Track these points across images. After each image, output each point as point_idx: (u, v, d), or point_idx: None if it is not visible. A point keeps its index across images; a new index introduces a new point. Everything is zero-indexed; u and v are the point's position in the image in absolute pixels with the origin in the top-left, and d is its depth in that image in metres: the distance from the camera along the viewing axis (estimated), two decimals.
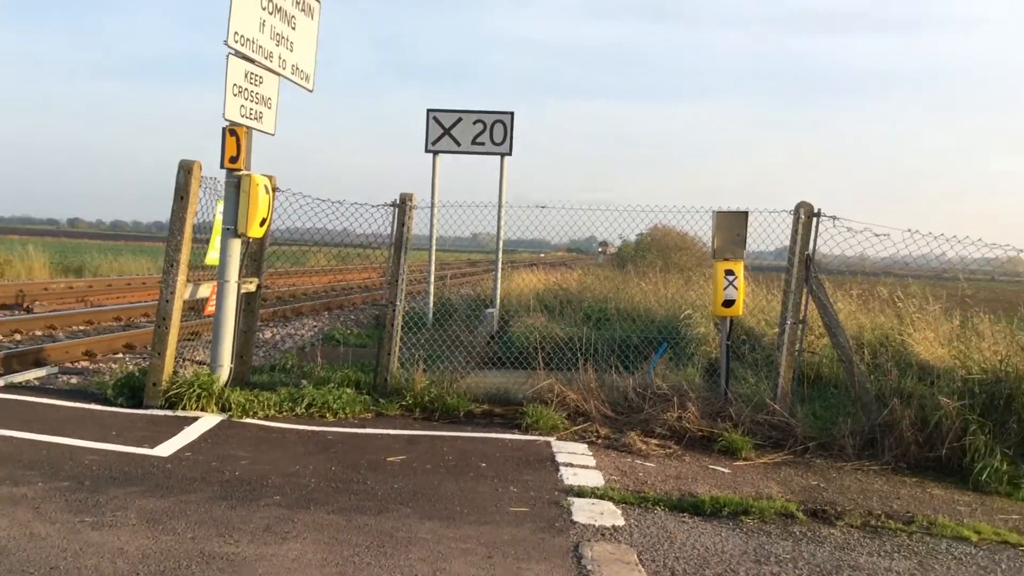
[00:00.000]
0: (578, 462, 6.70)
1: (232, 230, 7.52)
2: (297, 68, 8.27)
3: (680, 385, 8.22)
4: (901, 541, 5.38)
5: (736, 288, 7.99)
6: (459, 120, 15.65)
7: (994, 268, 8.54)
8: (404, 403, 8.21)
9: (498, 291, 15.50)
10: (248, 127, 7.49)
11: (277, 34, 7.79)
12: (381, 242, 8.84)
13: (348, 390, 8.20)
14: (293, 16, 8.10)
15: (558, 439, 7.45)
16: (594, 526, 5.19)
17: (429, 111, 15.67)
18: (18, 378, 8.74)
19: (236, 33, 7.15)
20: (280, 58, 7.90)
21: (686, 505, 5.77)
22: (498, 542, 4.79)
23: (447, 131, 15.64)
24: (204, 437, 6.62)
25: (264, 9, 7.58)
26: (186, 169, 7.25)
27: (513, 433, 7.59)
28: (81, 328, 14.08)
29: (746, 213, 8.06)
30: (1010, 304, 9.79)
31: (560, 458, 6.77)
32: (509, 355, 10.08)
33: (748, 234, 8.04)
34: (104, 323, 14.90)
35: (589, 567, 4.50)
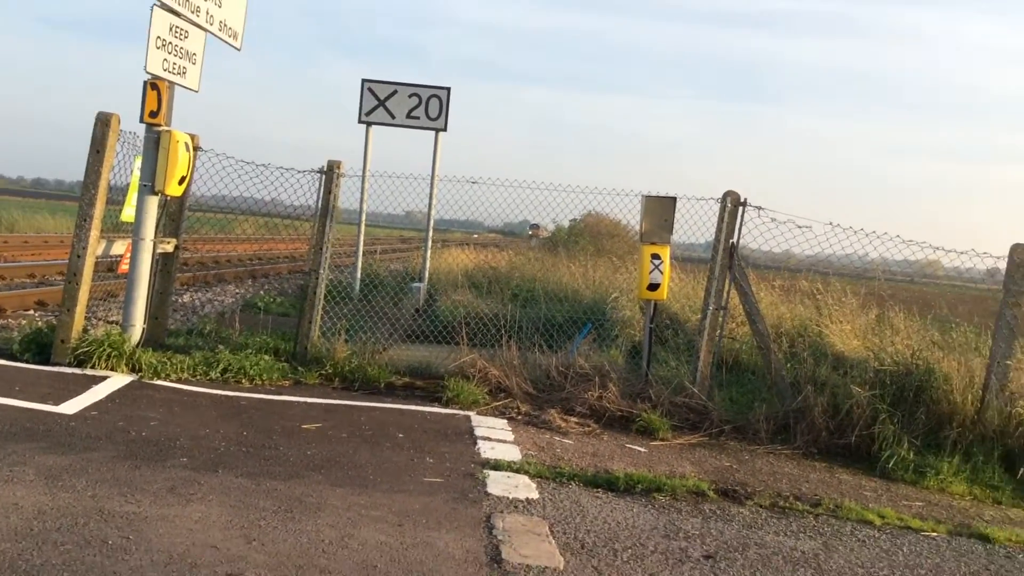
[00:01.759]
0: (496, 436, 6.69)
1: (149, 187, 7.26)
2: (225, 24, 8.02)
3: (602, 365, 8.26)
4: (808, 522, 5.50)
5: (661, 272, 8.05)
6: (394, 92, 15.42)
7: (915, 270, 8.77)
8: (323, 372, 8.09)
9: (427, 266, 15.38)
10: (170, 81, 7.24)
11: None
12: (311, 214, 8.67)
13: (266, 357, 8.04)
14: None
15: (478, 414, 7.42)
16: (508, 498, 5.18)
17: (364, 81, 15.43)
18: None
19: None
20: (208, 13, 7.65)
21: (601, 481, 5.80)
22: (409, 511, 4.74)
23: (382, 103, 15.41)
24: (112, 397, 6.41)
25: None
26: (103, 121, 6.98)
27: (433, 406, 7.53)
28: None
29: (674, 199, 8.11)
30: (925, 303, 10.08)
31: (479, 432, 6.75)
32: (434, 330, 10.01)
33: (678, 222, 8.11)
34: (17, 279, 14.36)
35: (500, 537, 4.49)
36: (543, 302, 11.94)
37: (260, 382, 7.64)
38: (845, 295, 10.09)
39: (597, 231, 32.55)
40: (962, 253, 7.86)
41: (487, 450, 6.23)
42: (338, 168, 8.45)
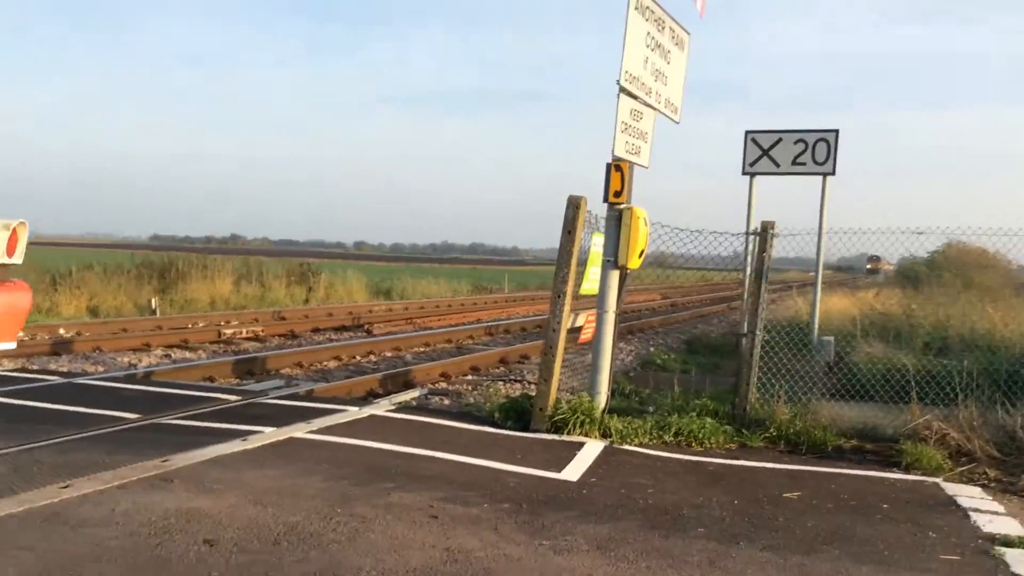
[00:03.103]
0: (985, 507, 6.33)
1: (612, 261, 7.87)
2: (669, 101, 8.52)
3: None
4: None
5: None
6: (779, 140, 15.38)
7: None
8: (767, 435, 8.17)
9: (816, 317, 15.03)
10: (630, 162, 7.82)
11: (656, 70, 8.08)
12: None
13: (709, 420, 8.27)
14: (668, 51, 8.35)
15: (945, 480, 7.09)
16: None
17: (747, 132, 15.53)
18: (399, 398, 9.62)
19: (627, 72, 7.51)
20: (656, 93, 8.18)
21: None
22: None
23: (765, 152, 15.41)
24: (598, 463, 6.94)
25: (648, 47, 7.88)
26: (574, 205, 7.67)
27: (893, 472, 7.31)
28: (421, 351, 15.26)
29: None
30: None
31: (962, 502, 6.44)
32: (852, 386, 9.71)
33: None
34: (438, 345, 16.06)
35: None
36: (961, 352, 11.15)
37: (709, 445, 7.87)
38: None
39: (962, 262, 29.84)
40: None
41: (985, 523, 5.91)
42: (772, 229, 8.58)
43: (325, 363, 12.99)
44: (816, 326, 14.80)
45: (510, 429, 7.92)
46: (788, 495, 6.38)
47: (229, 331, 15.77)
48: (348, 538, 4.83)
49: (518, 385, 11.43)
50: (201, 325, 17.44)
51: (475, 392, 10.89)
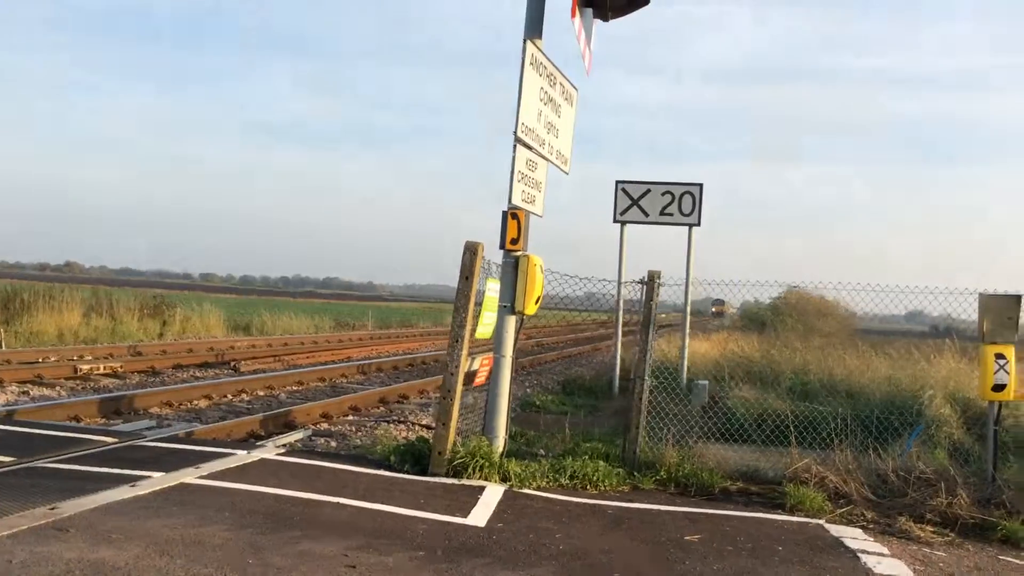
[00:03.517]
0: (871, 549, 6.66)
1: (509, 307, 7.91)
2: (560, 153, 8.71)
3: (946, 469, 8.09)
4: None
5: (1007, 372, 7.86)
6: (647, 191, 15.95)
7: None
8: (658, 477, 8.35)
9: (685, 361, 15.59)
10: (526, 211, 7.92)
11: (548, 123, 8.26)
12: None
13: (601, 463, 8.39)
14: (559, 104, 8.55)
15: (827, 522, 7.42)
16: None
17: (618, 183, 16.05)
18: (284, 439, 9.31)
19: (523, 124, 7.66)
20: (549, 144, 8.35)
21: None
22: None
23: (635, 202, 15.96)
24: (501, 507, 6.90)
25: (541, 100, 8.06)
26: (471, 250, 7.68)
27: (779, 513, 7.61)
28: (295, 389, 14.83)
29: (1019, 297, 7.96)
30: None
31: (849, 544, 6.76)
32: (726, 429, 10.09)
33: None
34: (311, 384, 15.66)
35: None
36: (824, 397, 11.80)
37: (603, 488, 7.98)
38: None
39: (803, 309, 31.60)
40: None
41: (874, 565, 6.22)
42: (658, 278, 8.85)
43: (196, 402, 12.43)
44: (685, 369, 15.35)
45: (408, 473, 7.77)
46: (690, 538, 6.53)
47: (85, 367, 14.85)
48: None
49: (403, 426, 11.25)
50: (53, 359, 16.36)
51: (359, 433, 10.66)
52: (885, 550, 6.65)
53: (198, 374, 16.55)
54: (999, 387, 7.94)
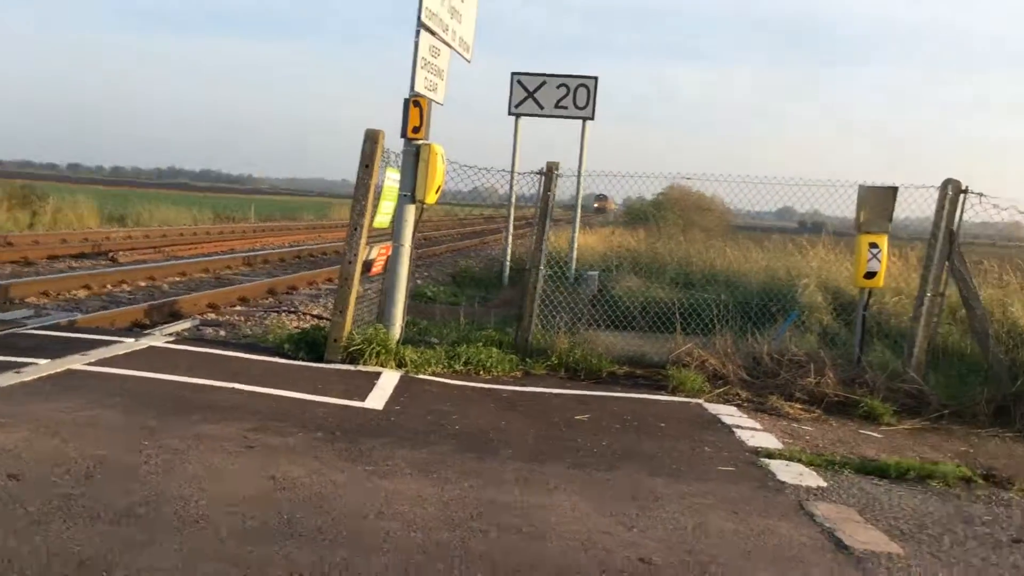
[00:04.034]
0: (745, 424, 7.12)
1: (409, 196, 7.88)
2: (463, 40, 8.56)
3: (816, 352, 8.62)
4: None
5: (879, 261, 8.36)
6: (543, 83, 15.89)
7: None
8: (549, 363, 8.63)
9: (574, 252, 15.89)
10: (428, 99, 7.80)
11: (452, 7, 8.08)
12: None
13: (495, 349, 8.59)
14: None
15: (706, 401, 7.86)
16: (803, 486, 5.59)
17: (513, 74, 15.92)
18: (171, 328, 9.16)
19: (427, 8, 7.48)
20: (452, 30, 8.20)
21: (870, 469, 6.15)
22: (730, 499, 5.19)
23: (531, 94, 15.89)
24: (398, 391, 7.03)
25: None
26: (372, 139, 7.56)
27: (662, 394, 7.99)
28: (178, 280, 14.48)
29: (895, 188, 8.41)
30: None
31: (725, 420, 7.19)
32: (614, 317, 10.45)
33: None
34: (195, 275, 15.29)
35: (827, 524, 4.90)
36: (705, 287, 12.30)
37: (497, 373, 8.19)
38: None
39: (684, 205, 32.48)
40: None
41: (748, 439, 6.66)
42: (556, 169, 8.93)
43: (75, 292, 11.99)
44: (574, 261, 15.66)
45: (303, 360, 7.79)
46: (579, 418, 6.82)
47: None
48: (164, 470, 4.62)
49: (293, 317, 11.17)
50: None
51: (249, 323, 10.54)
52: (758, 425, 7.12)
53: (74, 264, 15.92)
54: (871, 274, 8.45)
